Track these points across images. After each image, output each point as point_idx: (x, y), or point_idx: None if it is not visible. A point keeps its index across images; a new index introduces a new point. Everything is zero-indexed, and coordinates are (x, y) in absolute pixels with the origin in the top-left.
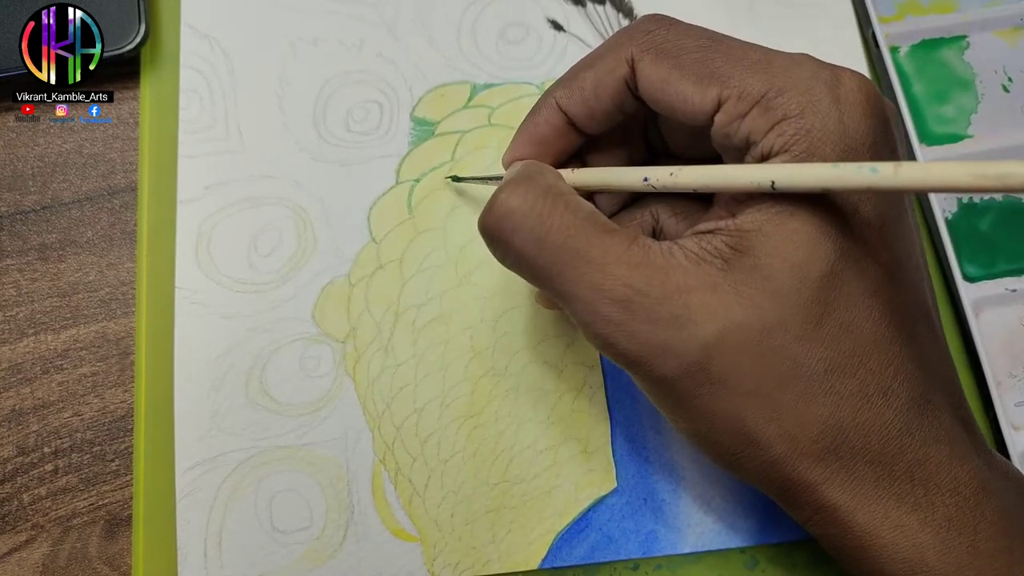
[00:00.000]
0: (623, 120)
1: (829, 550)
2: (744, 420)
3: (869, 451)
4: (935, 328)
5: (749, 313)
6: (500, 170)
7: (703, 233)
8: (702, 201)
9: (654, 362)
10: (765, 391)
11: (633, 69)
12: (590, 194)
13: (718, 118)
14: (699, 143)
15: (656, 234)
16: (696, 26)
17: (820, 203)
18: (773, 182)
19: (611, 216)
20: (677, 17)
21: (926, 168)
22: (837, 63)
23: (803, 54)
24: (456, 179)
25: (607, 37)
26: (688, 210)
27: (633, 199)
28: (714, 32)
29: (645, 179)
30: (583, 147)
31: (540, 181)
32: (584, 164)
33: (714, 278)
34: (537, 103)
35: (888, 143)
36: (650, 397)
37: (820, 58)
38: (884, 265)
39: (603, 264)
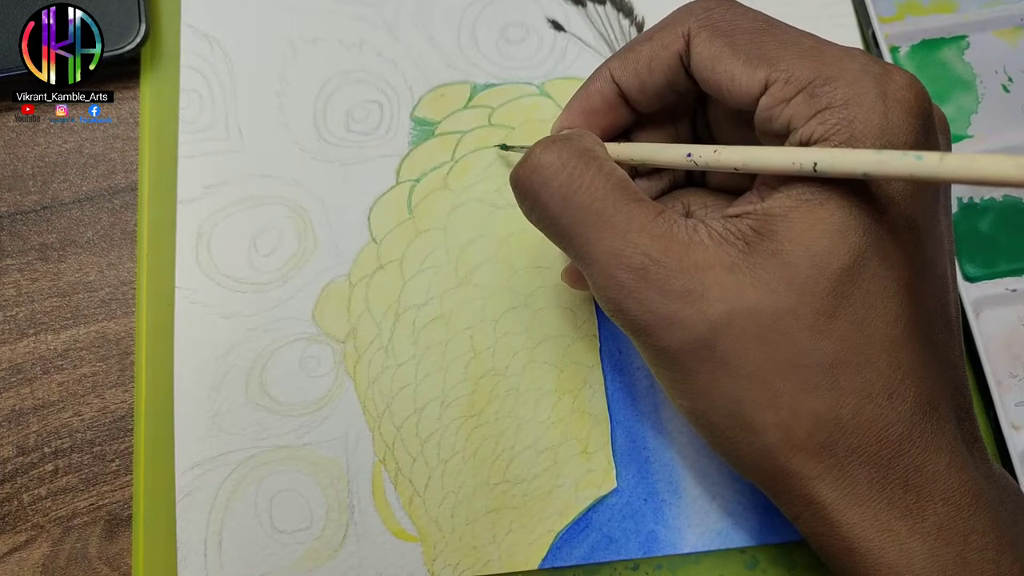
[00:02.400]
0: (673, 102)
1: (816, 549)
2: (741, 403)
3: (866, 451)
4: (953, 338)
5: (762, 297)
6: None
7: (731, 216)
8: (734, 196)
9: (661, 332)
10: (766, 377)
11: (688, 44)
12: (633, 176)
13: (763, 100)
14: (744, 136)
15: None
16: (754, 9)
17: (851, 195)
18: (815, 163)
19: None
20: None
21: (971, 159)
22: None
23: (857, 48)
24: (505, 147)
25: (607, 37)
26: (719, 203)
27: (667, 189)
28: (772, 17)
29: (688, 155)
30: (631, 127)
31: (578, 142)
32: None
33: (733, 258)
34: (592, 74)
35: (931, 145)
36: (652, 369)
37: None
38: (909, 267)
39: (625, 231)
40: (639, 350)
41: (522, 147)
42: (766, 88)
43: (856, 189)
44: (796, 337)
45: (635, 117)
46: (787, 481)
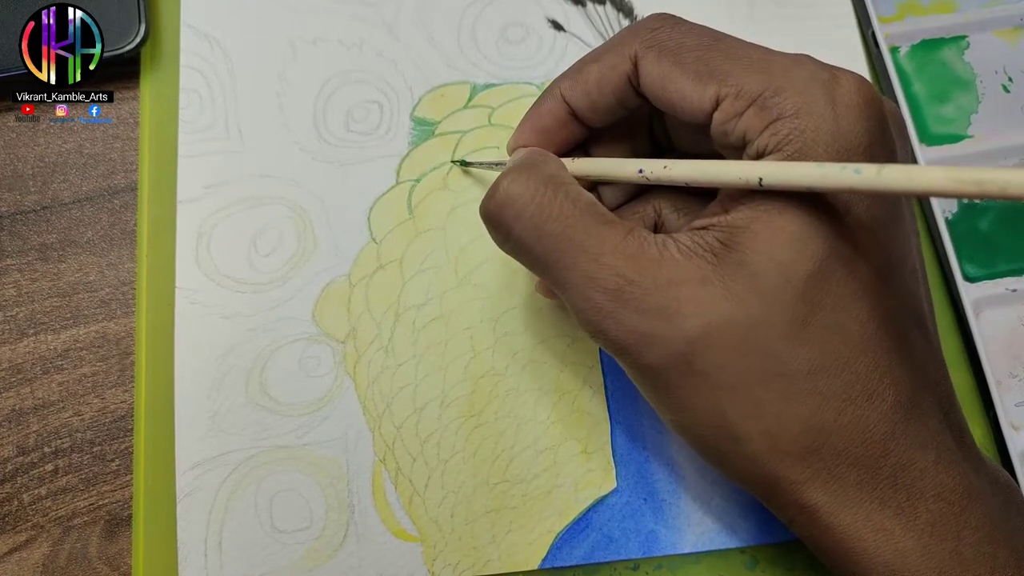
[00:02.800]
0: (627, 115)
1: (813, 551)
2: (725, 414)
3: (852, 453)
4: (928, 333)
5: (735, 309)
6: (505, 157)
7: (698, 228)
8: (704, 197)
9: (641, 350)
10: (747, 387)
11: (636, 65)
12: (596, 186)
13: (716, 116)
14: (702, 141)
15: (657, 228)
16: (701, 25)
17: (810, 202)
18: (761, 179)
19: (615, 208)
20: (678, 16)
21: (908, 171)
22: (837, 63)
23: (804, 55)
24: (462, 163)
25: (607, 37)
26: (690, 205)
27: (638, 192)
28: (718, 32)
29: (640, 171)
30: (588, 139)
31: (543, 170)
32: (587, 155)
33: (704, 272)
34: (543, 92)
35: (885, 145)
36: (638, 386)
37: (820, 58)
38: (876, 267)
39: (598, 254)
40: (624, 369)
41: (482, 163)
42: (718, 104)
43: (814, 198)
44: (773, 346)
45: (589, 132)
46: (777, 488)
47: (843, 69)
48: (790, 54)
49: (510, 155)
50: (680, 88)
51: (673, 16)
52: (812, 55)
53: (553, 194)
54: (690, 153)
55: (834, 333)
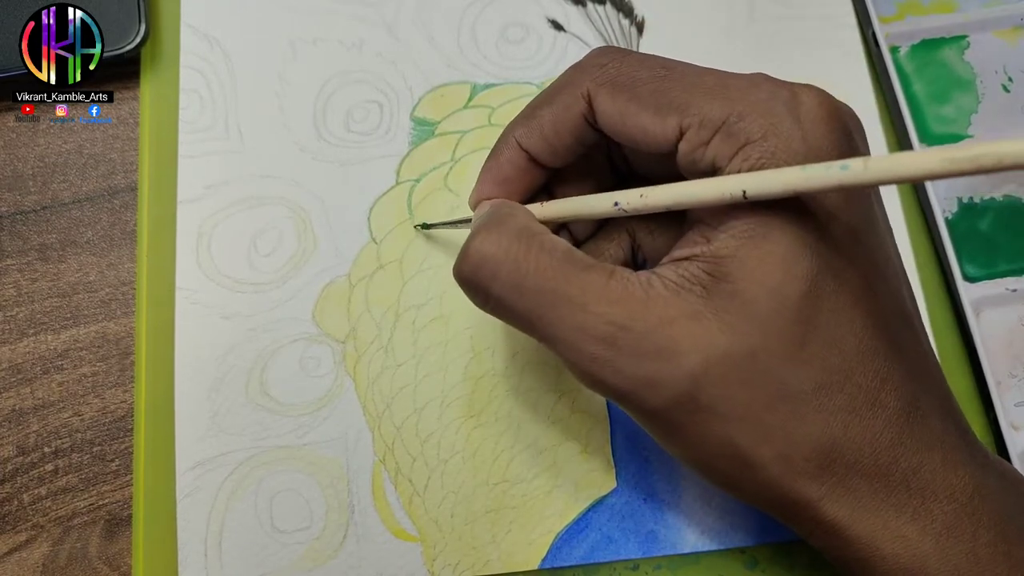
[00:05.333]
0: (586, 151)
1: (832, 562)
2: (737, 444)
3: (863, 464)
4: (917, 332)
5: (732, 340)
6: (469, 214)
7: (680, 260)
8: (678, 214)
9: (643, 395)
10: (755, 415)
11: (590, 104)
12: (563, 223)
13: (682, 147)
14: (664, 163)
15: (635, 251)
16: (648, 55)
17: (792, 222)
18: (744, 191)
19: (587, 239)
20: (678, 18)
21: (896, 159)
22: (837, 63)
23: (759, 74)
24: (425, 226)
25: (607, 36)
26: (663, 225)
27: (608, 220)
28: (668, 60)
29: (616, 204)
30: (550, 180)
31: (512, 223)
32: (552, 196)
33: (695, 306)
34: (498, 142)
35: (855, 152)
36: (645, 428)
37: (820, 58)
38: (863, 275)
39: (584, 303)
40: (628, 414)
41: (443, 223)
42: (681, 135)
43: (795, 215)
44: (774, 371)
45: (551, 174)
46: (794, 508)
47: (799, 84)
48: (746, 75)
49: (473, 210)
50: (640, 123)
51: (619, 48)
52: (812, 55)
53: (527, 248)
54: (653, 175)
55: (832, 348)
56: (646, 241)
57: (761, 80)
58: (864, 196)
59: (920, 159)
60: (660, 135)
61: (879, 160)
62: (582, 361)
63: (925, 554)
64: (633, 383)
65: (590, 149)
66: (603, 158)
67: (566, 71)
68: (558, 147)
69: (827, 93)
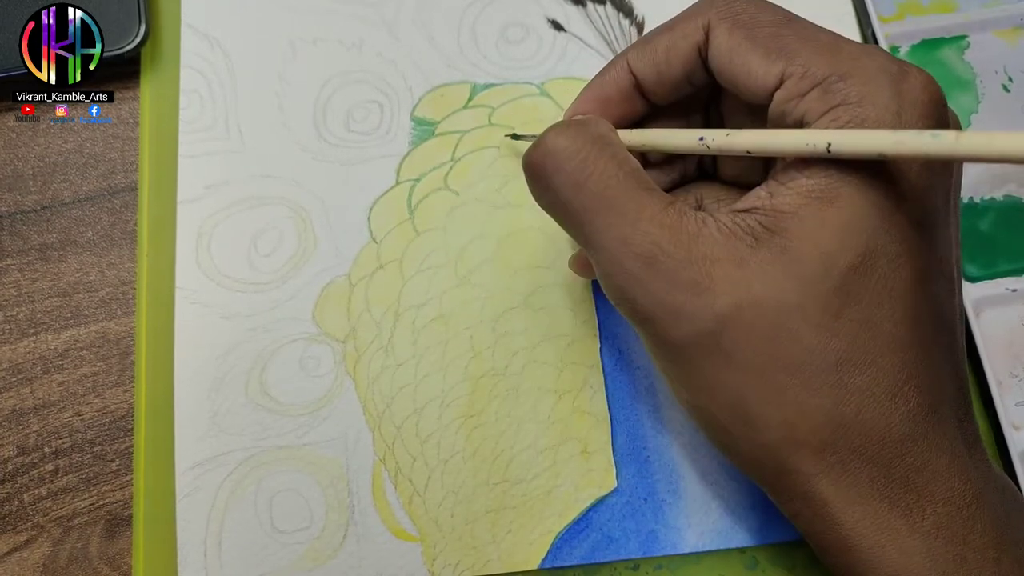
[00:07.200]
0: (687, 95)
1: (814, 547)
2: (745, 398)
3: (868, 450)
4: (955, 344)
5: (770, 292)
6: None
7: (740, 211)
8: (747, 190)
9: (667, 323)
10: (771, 372)
11: (708, 36)
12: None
13: (778, 95)
14: (758, 127)
15: None
16: (777, 5)
17: (862, 193)
18: (829, 144)
19: None
20: (675, 14)
21: (989, 136)
22: None
23: (876, 46)
24: (515, 136)
25: (607, 37)
26: (731, 197)
27: (680, 180)
28: (794, 14)
29: (700, 139)
30: (643, 121)
31: (593, 128)
32: None
33: (742, 253)
34: (609, 62)
35: None
36: (656, 360)
37: None
38: (919, 269)
39: (635, 219)
40: (643, 341)
41: (533, 135)
42: (781, 82)
43: (868, 187)
44: (802, 334)
45: (648, 109)
46: (787, 478)
47: (913, 65)
48: (863, 44)
49: None
50: (747, 62)
51: None
52: None
53: (599, 152)
54: None
55: (865, 328)
56: (711, 208)
57: (876, 51)
58: (942, 188)
59: (1015, 140)
60: (762, 78)
61: (972, 135)
62: (617, 274)
63: (911, 550)
64: (660, 309)
65: (690, 98)
66: (700, 116)
67: (695, 3)
68: (666, 77)
69: (936, 84)
